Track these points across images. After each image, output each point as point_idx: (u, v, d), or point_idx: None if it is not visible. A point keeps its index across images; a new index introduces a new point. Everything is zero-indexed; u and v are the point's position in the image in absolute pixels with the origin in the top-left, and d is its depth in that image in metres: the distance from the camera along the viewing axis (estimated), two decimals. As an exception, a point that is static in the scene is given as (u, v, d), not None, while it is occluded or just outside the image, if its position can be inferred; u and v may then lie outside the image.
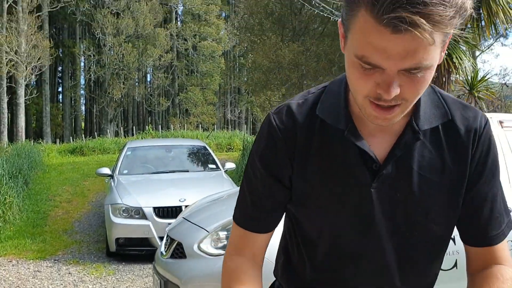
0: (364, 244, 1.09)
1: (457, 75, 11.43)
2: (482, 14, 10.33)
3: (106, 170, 8.04)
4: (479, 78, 11.48)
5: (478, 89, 11.36)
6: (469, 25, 11.72)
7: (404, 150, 1.05)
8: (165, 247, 4.00)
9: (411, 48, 0.83)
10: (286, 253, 1.25)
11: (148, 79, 41.45)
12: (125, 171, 8.04)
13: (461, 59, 11.08)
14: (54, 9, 29.12)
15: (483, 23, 10.72)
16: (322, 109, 1.09)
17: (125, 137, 25.22)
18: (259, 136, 1.15)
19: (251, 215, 1.16)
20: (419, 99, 1.03)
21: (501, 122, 3.50)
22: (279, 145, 1.10)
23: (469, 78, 11.30)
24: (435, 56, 0.87)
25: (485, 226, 1.10)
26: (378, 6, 0.80)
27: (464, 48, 11.77)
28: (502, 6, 10.11)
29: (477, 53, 18.72)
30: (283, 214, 1.18)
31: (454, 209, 1.10)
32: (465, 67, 11.23)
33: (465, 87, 11.47)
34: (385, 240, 1.08)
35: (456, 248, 2.67)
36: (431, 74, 0.90)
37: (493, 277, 1.06)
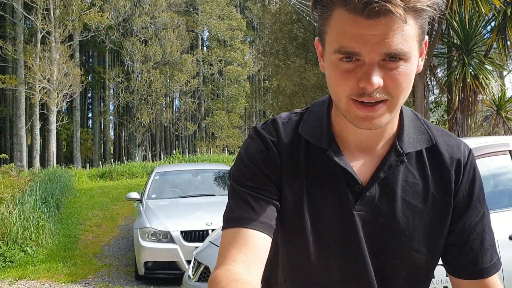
0: (348, 266, 1.06)
1: (484, 95, 11.33)
2: (508, 34, 10.27)
3: (135, 195, 8.21)
4: (506, 98, 11.35)
5: (506, 109, 11.22)
6: (495, 45, 11.67)
7: (388, 172, 1.03)
8: (192, 271, 4.08)
9: (387, 31, 0.85)
10: (268, 284, 1.20)
11: (175, 104, 42.18)
12: (154, 195, 8.21)
13: (487, 79, 10.99)
14: (85, 38, 30.06)
15: (508, 43, 10.65)
16: (305, 129, 1.08)
17: (153, 161, 25.59)
18: (246, 144, 1.10)
19: (242, 214, 1.02)
20: (403, 123, 1.05)
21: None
22: (271, 151, 1.07)
23: (496, 98, 11.19)
24: (412, 46, 0.89)
25: (477, 257, 1.06)
26: None
27: (490, 68, 11.68)
28: (528, 25, 10.05)
29: (505, 73, 18.49)
30: (275, 217, 1.04)
31: (438, 239, 1.07)
32: (492, 87, 11.13)
33: (492, 107, 11.35)
34: (368, 264, 1.05)
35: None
36: (411, 68, 0.91)
37: None
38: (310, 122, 1.10)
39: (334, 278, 1.07)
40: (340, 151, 1.04)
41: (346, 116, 0.96)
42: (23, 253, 8.27)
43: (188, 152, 28.86)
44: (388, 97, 0.91)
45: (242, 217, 1.01)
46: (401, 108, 1.06)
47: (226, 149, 32.91)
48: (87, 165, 28.22)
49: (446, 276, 3.45)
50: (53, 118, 25.63)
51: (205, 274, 3.78)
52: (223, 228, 1.04)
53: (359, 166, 1.05)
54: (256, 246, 0.98)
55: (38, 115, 26.43)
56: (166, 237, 6.55)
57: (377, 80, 0.88)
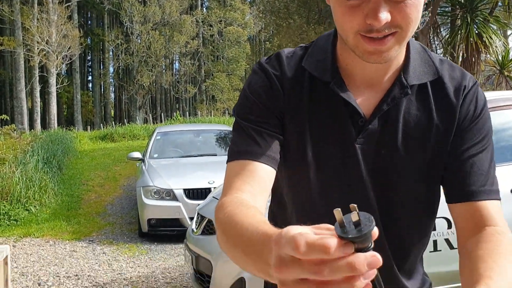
0: (350, 199, 1.03)
1: (488, 55, 11.20)
2: (514, -8, 10.08)
3: (137, 154, 8.24)
4: (510, 57, 11.22)
5: (509, 68, 11.12)
6: (500, 3, 11.45)
7: (391, 105, 1.03)
8: (196, 225, 4.12)
9: None
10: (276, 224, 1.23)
11: (175, 66, 41.84)
12: (155, 155, 8.23)
13: (491, 38, 10.84)
14: (83, -2, 29.54)
15: (514, 0, 10.46)
16: (308, 62, 1.08)
17: (154, 124, 25.57)
18: (250, 78, 1.10)
19: (246, 148, 1.02)
20: (409, 56, 1.04)
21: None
22: (274, 85, 1.07)
23: (500, 57, 11.06)
24: None
25: (466, 178, 1.02)
26: None
27: (494, 27, 11.50)
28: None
29: (509, 32, 18.23)
30: (278, 151, 1.05)
31: (439, 169, 1.06)
32: (495, 46, 10.99)
33: (495, 67, 11.24)
34: (371, 198, 1.06)
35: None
36: (419, 1, 0.90)
37: (483, 240, 0.94)
38: (314, 55, 1.09)
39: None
40: (344, 85, 1.04)
41: (355, 51, 0.95)
42: (27, 212, 8.37)
43: (189, 115, 28.80)
44: (397, 29, 0.90)
45: (246, 150, 1.02)
46: (408, 40, 1.04)
47: (227, 112, 32.82)
48: (88, 127, 28.22)
49: (448, 228, 3.46)
50: (52, 80, 25.48)
51: (208, 227, 3.83)
52: (227, 162, 1.05)
53: (363, 100, 1.04)
54: (260, 177, 0.99)
55: (37, 78, 26.27)
56: (169, 195, 6.60)
57: (384, 16, 0.86)
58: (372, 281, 0.54)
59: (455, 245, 3.29)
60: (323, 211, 1.05)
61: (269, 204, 1.22)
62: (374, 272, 0.51)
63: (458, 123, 1.05)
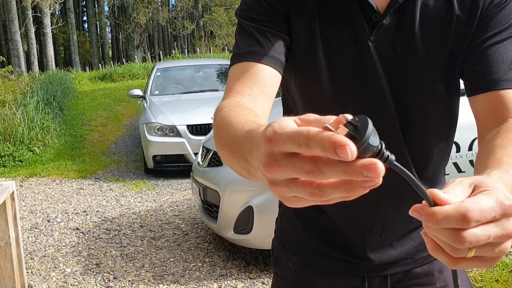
0: (365, 104, 0.99)
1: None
2: None
3: (138, 92, 8.13)
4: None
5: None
6: None
7: None
8: (201, 158, 4.09)
9: None
10: None
11: (171, 2, 40.68)
12: (156, 92, 8.12)
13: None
14: None
15: None
16: None
17: (153, 62, 25.20)
18: None
19: (248, 49, 0.95)
20: None
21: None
22: None
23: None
24: None
25: (489, 66, 0.93)
26: None
27: None
28: None
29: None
30: (283, 52, 0.97)
31: (459, 65, 0.98)
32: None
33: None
34: (388, 101, 0.98)
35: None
36: None
37: (504, 130, 0.87)
38: None
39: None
40: None
41: None
42: (31, 153, 8.38)
43: (188, 52, 28.32)
44: None
45: (248, 51, 0.94)
46: None
47: (226, 48, 32.24)
48: (87, 68, 27.86)
49: (456, 152, 3.41)
50: (47, 21, 24.88)
51: (214, 159, 3.79)
52: (229, 66, 0.98)
53: None
54: (262, 80, 0.92)
55: (31, 19, 25.63)
56: (173, 131, 6.55)
57: None
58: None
59: (463, 168, 3.26)
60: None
61: None
62: (376, 182, 0.43)
63: (482, 11, 0.95)
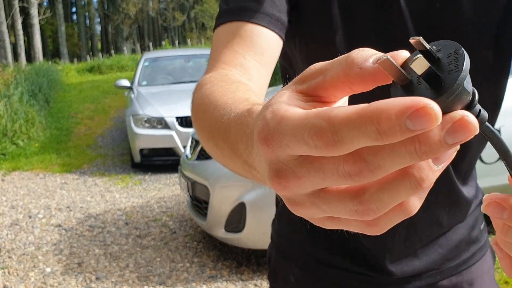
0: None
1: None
2: None
3: (125, 82, 7.86)
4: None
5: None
6: None
7: None
8: (190, 150, 3.87)
9: None
10: None
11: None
12: (144, 83, 7.87)
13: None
14: None
15: None
16: None
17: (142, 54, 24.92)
18: None
19: (239, 4, 0.73)
20: None
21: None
22: None
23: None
24: None
25: None
26: None
27: None
28: None
29: None
30: (286, 10, 0.75)
31: (509, 26, 0.77)
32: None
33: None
34: None
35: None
36: None
37: None
38: None
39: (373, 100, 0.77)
40: None
41: None
42: (15, 146, 8.09)
43: (179, 44, 28.01)
44: None
45: (239, 7, 0.72)
46: None
47: (217, 40, 31.95)
48: (75, 60, 27.46)
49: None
50: (34, 11, 24.44)
51: (204, 152, 3.56)
52: (214, 27, 0.75)
53: None
54: (259, 47, 0.69)
55: (18, 9, 25.16)
56: (161, 123, 6.30)
57: None
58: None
59: (486, 160, 3.02)
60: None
61: None
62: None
63: None
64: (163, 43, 25.26)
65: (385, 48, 0.73)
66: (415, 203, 0.29)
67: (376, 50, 0.72)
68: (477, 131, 0.26)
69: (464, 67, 0.27)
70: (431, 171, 0.27)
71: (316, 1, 0.77)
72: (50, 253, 3.93)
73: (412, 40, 0.28)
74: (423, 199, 0.29)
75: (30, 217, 4.84)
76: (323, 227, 0.31)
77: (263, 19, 0.70)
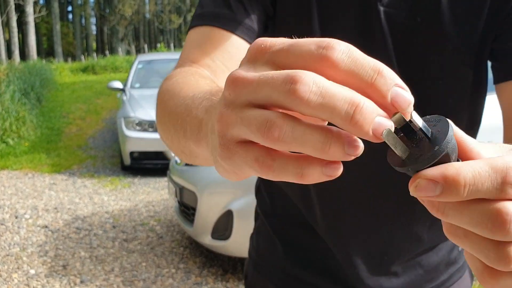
0: None
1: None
2: None
3: (118, 84, 7.83)
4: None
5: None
6: None
7: None
8: (179, 156, 3.86)
9: None
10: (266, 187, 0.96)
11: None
12: (137, 85, 7.84)
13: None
14: None
15: None
16: None
17: (137, 55, 24.86)
18: None
19: (213, 9, 0.75)
20: None
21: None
22: None
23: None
24: None
25: None
26: None
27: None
28: None
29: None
30: (260, 19, 0.76)
31: (488, 43, 0.76)
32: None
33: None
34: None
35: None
36: None
37: None
38: None
39: None
40: None
41: None
42: (4, 144, 8.03)
43: (174, 47, 27.97)
44: None
45: (212, 13, 0.74)
46: None
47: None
48: (69, 59, 27.34)
49: None
50: (29, 9, 24.32)
51: (193, 158, 3.56)
52: (188, 29, 0.78)
53: None
54: (228, 53, 0.71)
55: (13, 6, 25.03)
56: (152, 126, 6.28)
57: None
58: None
59: None
60: None
61: None
62: (337, 173, 0.30)
63: None
64: (159, 45, 25.23)
65: (365, 49, 0.74)
66: (314, 174, 0.30)
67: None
68: (361, 150, 0.30)
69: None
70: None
71: (294, 11, 0.77)
72: (35, 254, 3.90)
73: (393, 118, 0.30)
74: (326, 178, 0.31)
75: (16, 217, 4.80)
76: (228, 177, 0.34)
77: (235, 27, 0.72)
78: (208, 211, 3.23)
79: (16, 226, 4.54)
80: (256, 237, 0.99)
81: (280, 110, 0.31)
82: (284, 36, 0.79)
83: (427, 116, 0.32)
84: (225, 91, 0.32)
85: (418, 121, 0.30)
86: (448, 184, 0.30)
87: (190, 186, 3.39)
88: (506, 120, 0.76)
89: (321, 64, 0.29)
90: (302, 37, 0.77)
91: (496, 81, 0.76)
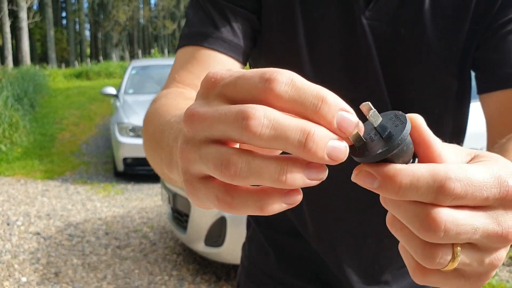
0: (358, 101, 0.78)
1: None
2: None
3: (111, 90, 7.81)
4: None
5: None
6: None
7: None
8: (173, 162, 3.85)
9: None
10: None
11: (153, 1, 40.28)
12: (131, 91, 7.83)
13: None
14: None
15: None
16: None
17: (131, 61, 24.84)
18: None
19: (200, 29, 0.75)
20: None
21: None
22: None
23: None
24: None
25: (507, 58, 0.74)
26: None
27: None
28: None
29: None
30: (246, 36, 0.77)
31: (471, 53, 0.77)
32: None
33: None
34: (384, 97, 0.76)
35: None
36: None
37: None
38: None
39: None
40: None
41: None
42: (-3, 150, 7.99)
43: (168, 53, 27.98)
44: None
45: (199, 33, 0.75)
46: None
47: (207, 50, 31.98)
48: (63, 65, 27.27)
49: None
50: (23, 14, 24.27)
51: (186, 165, 3.55)
52: (176, 49, 0.80)
53: None
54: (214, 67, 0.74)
55: (7, 12, 24.97)
56: (145, 132, 6.27)
57: None
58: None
59: None
60: None
61: None
62: (297, 200, 0.31)
63: None
64: (153, 51, 25.23)
65: (349, 68, 0.75)
66: (274, 205, 0.31)
67: (340, 71, 0.74)
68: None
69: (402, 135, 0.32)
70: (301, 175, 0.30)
71: (280, 26, 0.77)
72: (27, 262, 3.87)
73: (362, 108, 0.33)
74: (285, 208, 0.31)
75: (8, 224, 4.76)
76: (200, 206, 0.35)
77: (221, 45, 0.73)
78: (202, 217, 3.22)
79: (7, 233, 4.50)
80: (248, 246, 0.99)
81: (237, 145, 0.32)
82: (272, 49, 0.80)
83: (399, 113, 0.34)
84: (184, 127, 0.33)
85: (376, 121, 0.33)
86: (385, 183, 0.32)
87: (183, 192, 3.38)
88: (489, 128, 0.77)
89: (266, 96, 0.30)
90: (288, 53, 0.78)
91: (480, 92, 0.77)
